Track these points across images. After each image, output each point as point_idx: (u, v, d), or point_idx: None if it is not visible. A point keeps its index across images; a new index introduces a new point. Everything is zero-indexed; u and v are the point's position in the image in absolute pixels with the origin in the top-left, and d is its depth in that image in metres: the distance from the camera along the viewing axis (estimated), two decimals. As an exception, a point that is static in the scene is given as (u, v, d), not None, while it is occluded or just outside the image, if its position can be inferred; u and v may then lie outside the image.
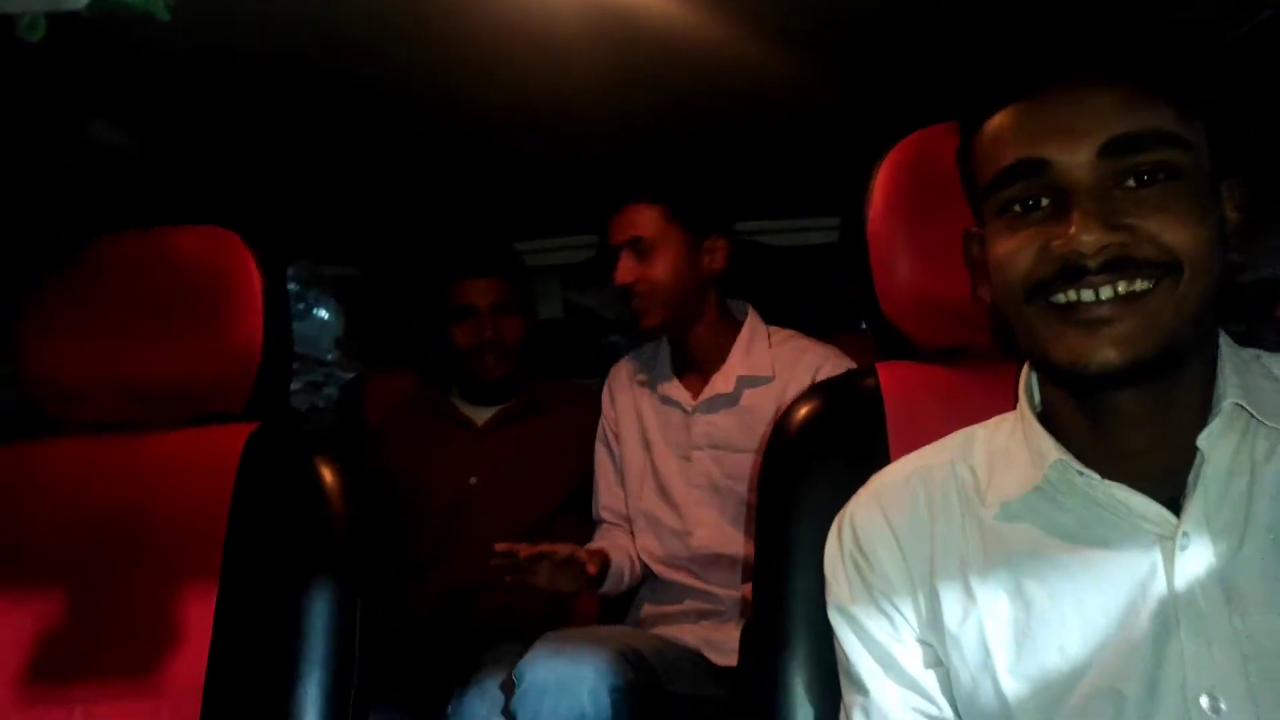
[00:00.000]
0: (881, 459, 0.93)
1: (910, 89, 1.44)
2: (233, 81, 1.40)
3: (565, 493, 1.86)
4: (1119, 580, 0.71)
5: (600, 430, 1.84)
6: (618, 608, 1.80)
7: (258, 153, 1.72)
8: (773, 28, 1.33)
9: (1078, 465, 0.73)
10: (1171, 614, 0.69)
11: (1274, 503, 0.69)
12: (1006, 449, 0.80)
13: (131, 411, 1.13)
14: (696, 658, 1.59)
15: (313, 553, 1.04)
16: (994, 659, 0.75)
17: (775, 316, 1.79)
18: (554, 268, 2.55)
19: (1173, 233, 0.67)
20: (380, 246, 2.45)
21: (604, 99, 1.61)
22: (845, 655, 0.83)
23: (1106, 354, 0.68)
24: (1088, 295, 0.68)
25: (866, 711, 0.80)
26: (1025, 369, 0.82)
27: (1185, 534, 0.69)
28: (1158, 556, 0.71)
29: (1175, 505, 0.71)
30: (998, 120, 0.74)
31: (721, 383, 1.67)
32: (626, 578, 1.68)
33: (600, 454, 1.84)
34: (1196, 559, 0.69)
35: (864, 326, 1.68)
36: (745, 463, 1.62)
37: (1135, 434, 0.73)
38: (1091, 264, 0.67)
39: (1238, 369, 0.73)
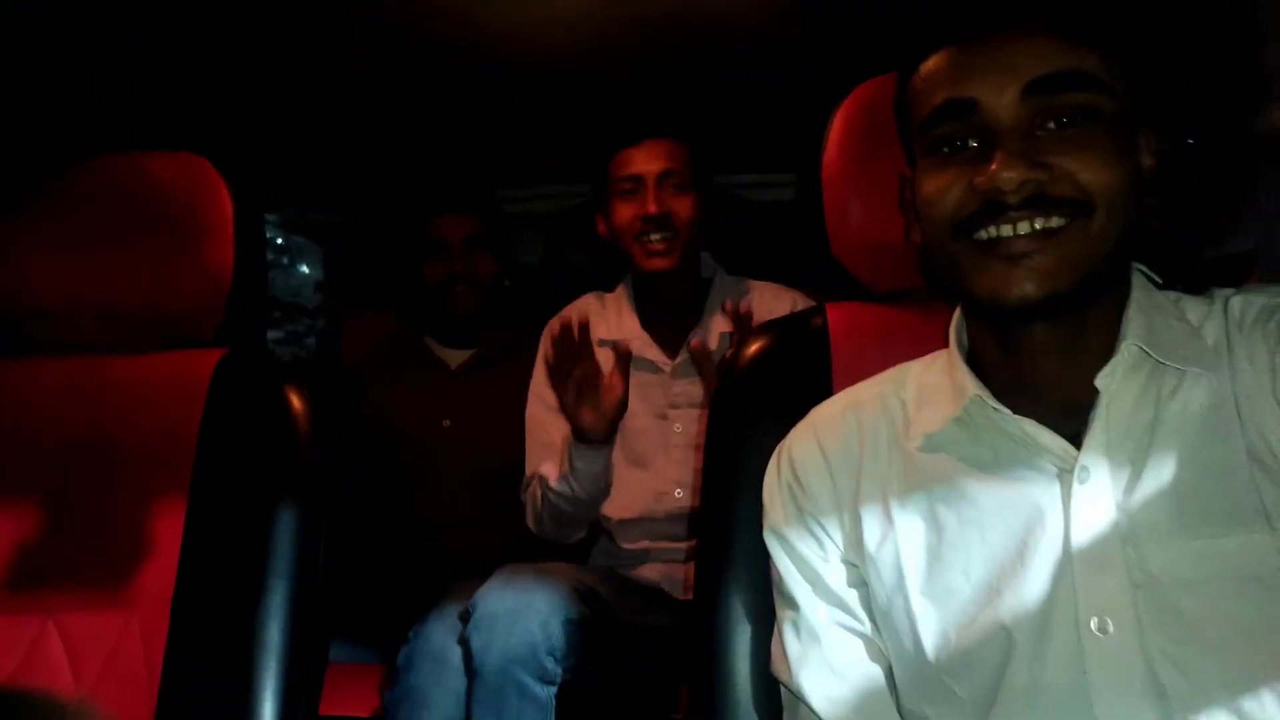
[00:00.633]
0: (826, 395, 0.96)
1: (869, 37, 1.46)
2: (219, 19, 1.41)
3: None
4: (1020, 510, 0.76)
5: (539, 386, 1.73)
6: (579, 553, 1.80)
7: (241, 88, 1.73)
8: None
9: (992, 401, 0.77)
10: (1066, 543, 0.73)
11: (1174, 438, 0.73)
12: (935, 384, 0.84)
13: (103, 334, 1.16)
14: (655, 592, 1.64)
15: (280, 472, 1.07)
16: (906, 580, 0.79)
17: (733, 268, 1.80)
18: (534, 216, 2.57)
19: (1089, 172, 0.70)
20: (363, 190, 2.47)
21: (590, 40, 1.64)
22: (779, 574, 0.88)
23: (1025, 287, 0.71)
24: (1007, 230, 0.71)
25: (796, 625, 0.85)
26: (957, 310, 0.85)
27: (1084, 468, 0.73)
28: (1058, 489, 0.75)
29: (1080, 441, 0.74)
30: (931, 64, 0.77)
31: (702, 339, 1.60)
32: (603, 483, 1.59)
33: (538, 411, 1.72)
34: (1094, 491, 0.73)
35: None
36: None
37: (1046, 368, 0.77)
38: (1012, 200, 0.70)
39: (1147, 310, 0.76)
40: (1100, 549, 0.72)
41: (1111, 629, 0.70)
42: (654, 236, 1.65)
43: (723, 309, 1.68)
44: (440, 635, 1.46)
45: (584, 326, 1.48)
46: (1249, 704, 0.66)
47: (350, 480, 1.68)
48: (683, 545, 1.66)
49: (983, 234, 0.73)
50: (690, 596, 1.44)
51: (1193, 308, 0.78)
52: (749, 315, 1.53)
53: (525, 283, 2.50)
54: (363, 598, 1.74)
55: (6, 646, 1.05)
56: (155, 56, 1.56)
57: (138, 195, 1.15)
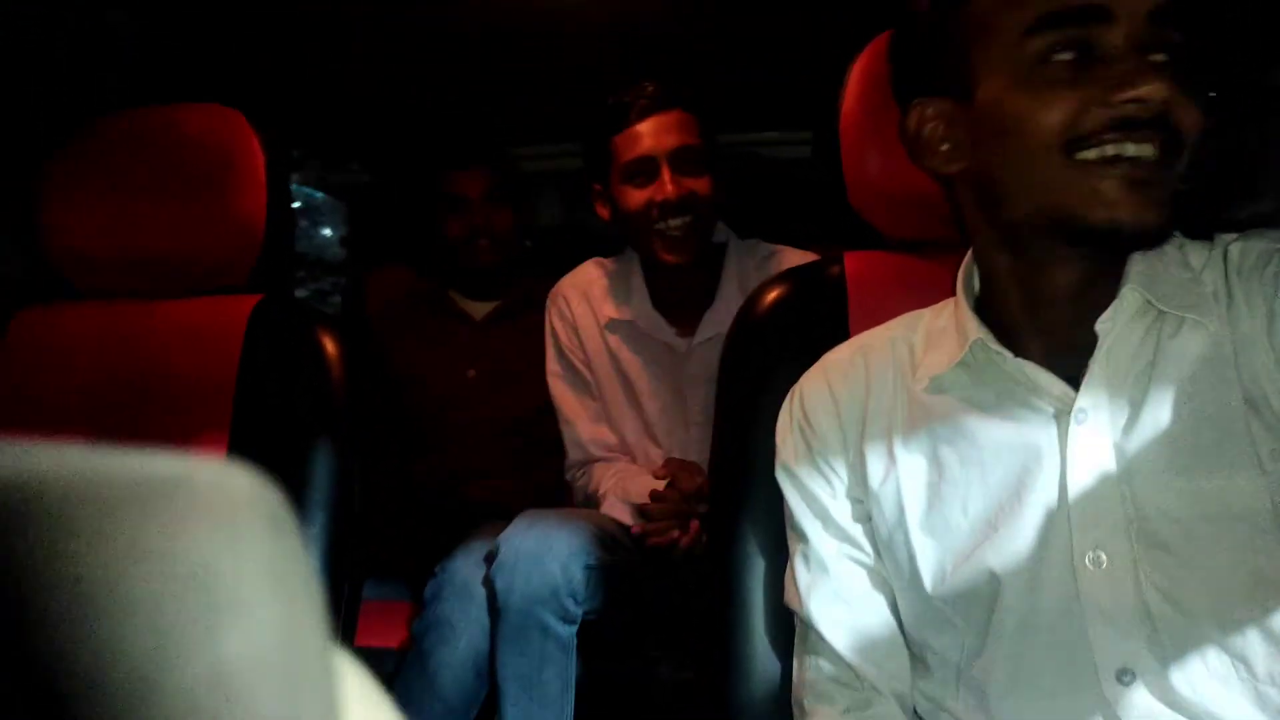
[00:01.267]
0: (842, 341, 0.99)
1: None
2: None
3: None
4: (1019, 449, 0.78)
5: (555, 365, 1.72)
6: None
7: (262, 50, 1.75)
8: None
9: (995, 345, 0.78)
10: (1063, 482, 0.75)
11: (1171, 381, 0.74)
12: (943, 329, 0.86)
13: (143, 281, 1.20)
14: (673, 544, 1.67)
15: (315, 411, 1.12)
16: (907, 515, 0.82)
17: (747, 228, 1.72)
18: (555, 174, 2.58)
19: (1192, 116, 0.69)
20: (383, 148, 2.49)
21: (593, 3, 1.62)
22: (790, 510, 0.92)
23: (1148, 215, 0.69)
24: (1130, 149, 0.69)
25: (806, 557, 0.89)
26: (968, 257, 0.87)
27: (1082, 409, 0.75)
28: (1055, 429, 0.77)
29: (1078, 383, 0.76)
30: None
31: (719, 319, 1.55)
32: None
33: (562, 390, 1.70)
34: (1091, 432, 0.75)
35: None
36: None
37: (1059, 311, 0.78)
38: (1145, 115, 0.68)
39: (1149, 256, 0.76)
40: (1097, 487, 0.74)
41: (1106, 563, 0.73)
42: (673, 222, 1.51)
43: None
44: (466, 569, 1.51)
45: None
46: (1234, 636, 0.70)
47: (379, 425, 1.73)
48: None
49: (1107, 150, 0.69)
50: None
51: (1195, 252, 0.79)
52: None
53: (546, 243, 2.53)
54: (391, 541, 1.80)
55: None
56: (183, 13, 1.59)
57: (173, 146, 1.19)
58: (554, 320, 1.71)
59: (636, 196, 1.53)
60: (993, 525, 0.78)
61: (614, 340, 1.65)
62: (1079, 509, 0.74)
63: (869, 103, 1.05)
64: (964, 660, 0.80)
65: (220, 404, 1.13)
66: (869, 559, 0.87)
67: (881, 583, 0.87)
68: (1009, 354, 0.78)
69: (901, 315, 0.93)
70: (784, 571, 0.94)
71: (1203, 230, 0.83)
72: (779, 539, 0.98)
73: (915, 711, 0.86)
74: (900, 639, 0.86)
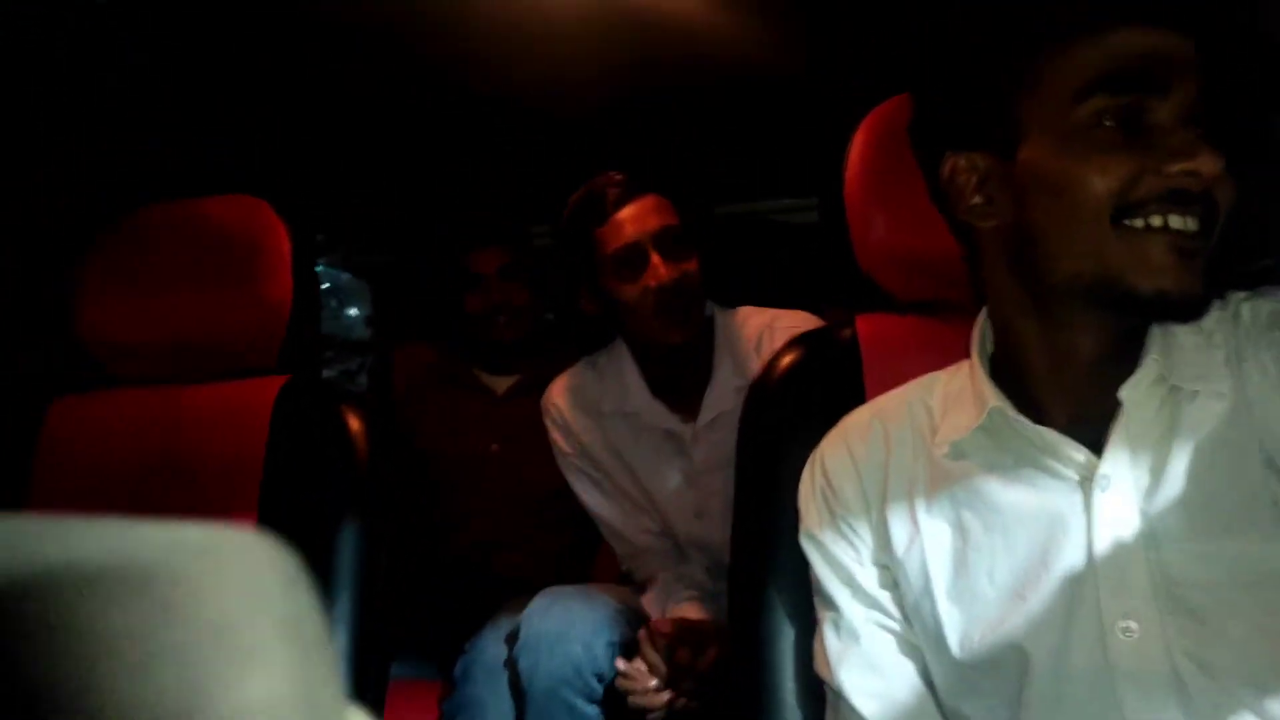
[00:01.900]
0: (859, 404, 0.99)
1: (885, 60, 1.50)
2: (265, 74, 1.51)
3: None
4: (1043, 517, 0.77)
5: (569, 474, 1.68)
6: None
7: (294, 135, 1.83)
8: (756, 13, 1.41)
9: (1012, 412, 0.78)
10: (1089, 550, 0.74)
11: (1191, 445, 0.73)
12: (960, 392, 0.86)
13: (175, 367, 1.24)
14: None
15: (342, 490, 1.13)
16: (933, 583, 0.81)
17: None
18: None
19: (1230, 191, 0.70)
20: (405, 230, 2.56)
21: (617, 84, 1.68)
22: (816, 578, 0.91)
23: (1193, 285, 0.70)
24: (1176, 222, 0.69)
25: (836, 625, 0.88)
26: (981, 318, 0.87)
27: (1105, 476, 0.74)
28: (1079, 496, 0.76)
29: (1099, 449, 0.75)
30: (1086, 42, 0.71)
31: (719, 400, 1.53)
32: None
33: (585, 488, 1.66)
34: (1116, 499, 0.74)
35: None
36: None
37: (1081, 377, 0.77)
38: (1195, 188, 0.68)
39: (1166, 327, 0.76)
40: (1123, 554, 0.73)
41: (1137, 631, 0.72)
42: (673, 306, 1.47)
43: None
44: (495, 648, 1.50)
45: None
46: (1267, 700, 0.68)
47: (406, 502, 1.74)
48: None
49: (1154, 220, 0.69)
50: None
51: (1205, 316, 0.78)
52: None
53: (566, 315, 2.56)
54: (418, 618, 1.79)
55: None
56: (209, 108, 1.66)
57: (202, 237, 1.24)
58: (550, 431, 1.68)
59: (630, 288, 1.49)
60: (1020, 595, 0.77)
61: (615, 435, 1.61)
62: (1107, 577, 0.74)
63: (873, 168, 1.07)
64: None
65: (248, 485, 1.15)
66: (898, 625, 0.86)
67: (912, 649, 0.86)
68: (1028, 421, 0.78)
69: (917, 379, 0.93)
70: (812, 640, 0.93)
71: (1218, 285, 0.83)
72: (806, 607, 0.96)
73: None
74: (933, 708, 0.84)
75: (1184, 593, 0.71)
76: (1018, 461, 0.80)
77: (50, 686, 0.17)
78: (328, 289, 3.14)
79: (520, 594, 1.66)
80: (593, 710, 1.41)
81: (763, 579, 1.03)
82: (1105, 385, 0.75)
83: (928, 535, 0.83)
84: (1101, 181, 0.70)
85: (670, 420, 1.58)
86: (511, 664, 1.44)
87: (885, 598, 0.87)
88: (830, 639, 0.88)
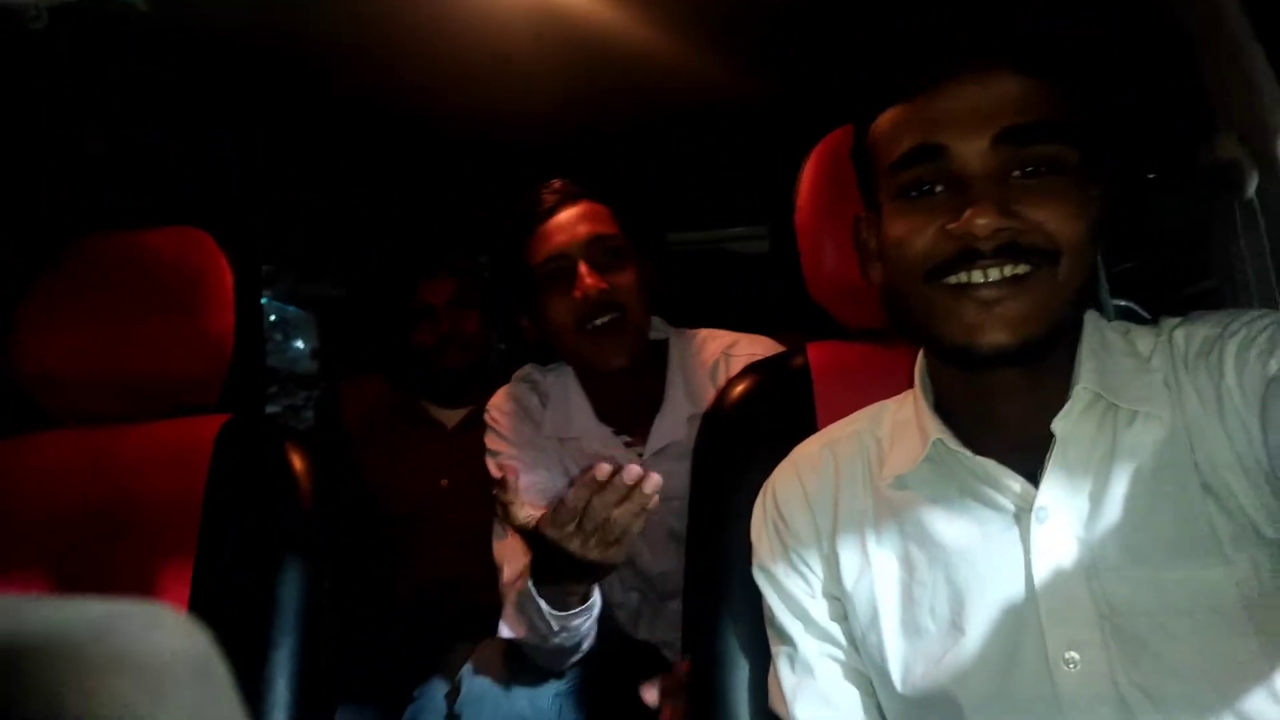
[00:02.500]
0: (811, 431, 0.99)
1: (835, 87, 1.53)
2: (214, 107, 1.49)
3: (534, 492, 1.92)
4: (982, 549, 0.78)
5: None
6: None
7: (237, 166, 1.80)
8: (715, 40, 1.42)
9: (954, 444, 0.79)
10: (1029, 581, 0.75)
11: (1129, 472, 0.75)
12: (906, 422, 0.87)
13: (114, 405, 1.19)
14: (649, 648, 1.54)
15: (284, 531, 1.10)
16: (881, 616, 0.81)
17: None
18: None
19: (1057, 223, 0.72)
20: (352, 261, 2.53)
21: (570, 117, 1.68)
22: (770, 610, 0.90)
23: (998, 334, 0.73)
24: (978, 276, 0.72)
25: (790, 659, 0.88)
26: (922, 351, 0.88)
27: (1043, 507, 0.75)
28: (1017, 529, 0.77)
29: (1038, 479, 0.76)
30: (896, 110, 0.78)
31: (669, 428, 1.43)
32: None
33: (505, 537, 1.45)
34: (1053, 530, 0.75)
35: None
36: None
37: (1007, 410, 0.78)
38: (985, 247, 0.72)
39: (1098, 352, 0.78)
40: (1064, 585, 0.74)
41: (1081, 662, 0.72)
42: (599, 321, 1.35)
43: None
44: (443, 695, 1.45)
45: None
46: None
47: (351, 540, 1.69)
48: (676, 608, 1.45)
49: (953, 279, 0.74)
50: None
51: (1142, 338, 0.81)
52: None
53: (517, 344, 2.54)
54: (366, 660, 1.74)
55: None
56: (153, 138, 1.63)
57: (141, 270, 1.20)
58: (492, 436, 1.53)
59: (557, 303, 1.36)
60: (960, 628, 0.77)
61: (556, 458, 1.47)
62: (1049, 608, 0.74)
63: (822, 198, 1.08)
64: None
65: (187, 528, 1.11)
66: (851, 658, 0.86)
67: (864, 681, 0.85)
68: (969, 452, 0.78)
69: (866, 407, 0.94)
70: (766, 673, 0.92)
71: (1157, 307, 0.85)
72: (760, 638, 0.96)
73: None
74: None
75: (1126, 621, 0.72)
76: (962, 493, 0.80)
77: None
78: (274, 322, 3.08)
79: (472, 636, 1.62)
80: None
81: (716, 610, 1.02)
82: (1036, 415, 0.77)
83: (877, 568, 0.83)
84: (911, 247, 0.75)
85: (615, 446, 1.46)
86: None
87: (837, 630, 0.86)
88: (785, 673, 0.88)
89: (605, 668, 1.45)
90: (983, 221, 0.71)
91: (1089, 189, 0.75)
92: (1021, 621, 0.75)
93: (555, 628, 1.21)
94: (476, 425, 1.95)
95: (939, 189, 0.75)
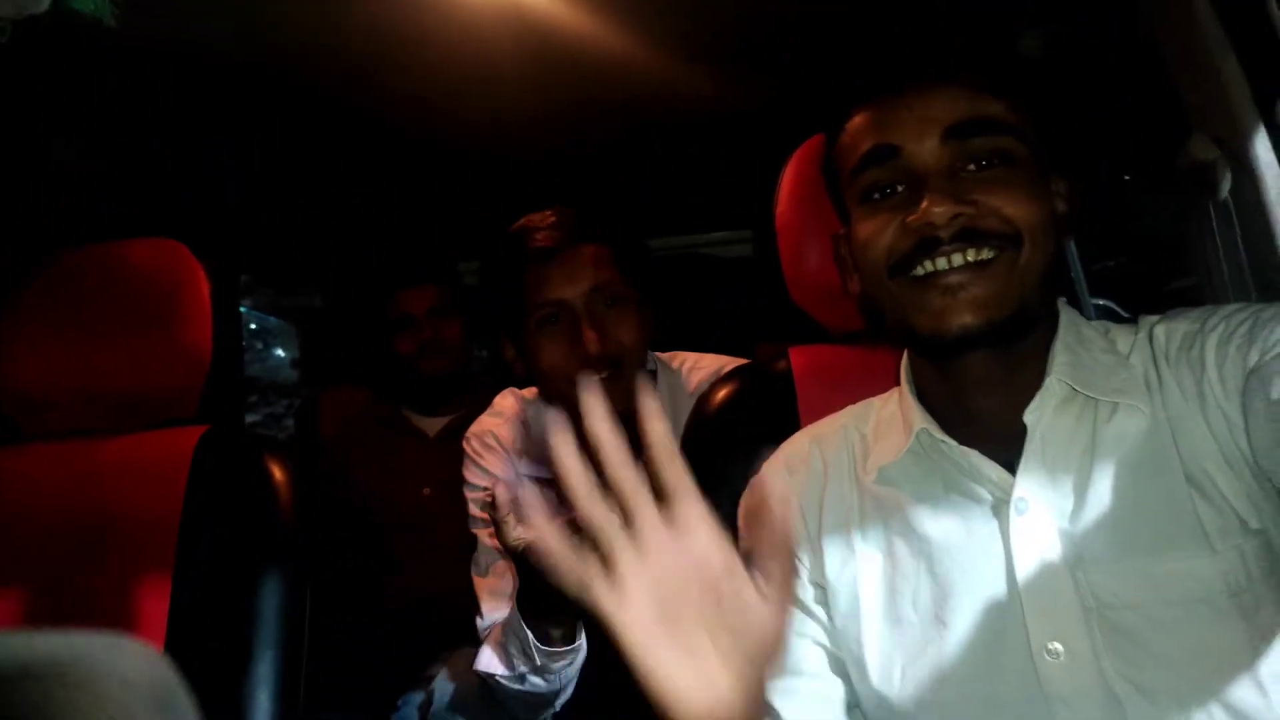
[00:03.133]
0: (794, 433, 1.00)
1: (813, 95, 1.54)
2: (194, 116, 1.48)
3: (517, 499, 1.91)
4: (964, 542, 0.78)
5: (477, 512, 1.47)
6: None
7: (217, 181, 1.78)
8: (696, 52, 1.42)
9: (939, 434, 0.80)
10: (1010, 574, 0.75)
11: (1112, 465, 0.75)
12: (891, 417, 0.88)
13: (91, 418, 1.18)
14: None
15: (263, 541, 1.08)
16: (862, 609, 0.82)
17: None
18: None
19: (1013, 207, 0.75)
20: (333, 272, 2.51)
21: (553, 128, 1.68)
22: None
23: (964, 317, 0.75)
24: (942, 263, 0.75)
25: None
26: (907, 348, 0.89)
27: (1022, 499, 0.76)
28: (997, 521, 0.77)
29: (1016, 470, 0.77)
30: (855, 120, 0.83)
31: None
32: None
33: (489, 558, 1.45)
34: (1033, 522, 0.75)
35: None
36: None
37: (983, 401, 0.80)
38: (944, 235, 0.75)
39: (1073, 346, 0.79)
40: (1046, 578, 0.74)
41: (1066, 653, 0.72)
42: (605, 377, 1.25)
43: None
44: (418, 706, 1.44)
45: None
46: (1199, 715, 0.69)
47: (332, 550, 1.68)
48: None
49: (919, 270, 0.76)
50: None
51: (1121, 336, 0.82)
52: None
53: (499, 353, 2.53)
54: (348, 667, 1.73)
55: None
56: (128, 149, 1.61)
57: (120, 282, 1.19)
58: (469, 468, 1.48)
59: (551, 350, 1.28)
60: (943, 621, 0.77)
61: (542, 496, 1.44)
62: (1032, 601, 0.74)
63: (803, 203, 1.09)
64: None
65: (165, 540, 1.09)
66: (828, 642, 0.86)
67: (841, 668, 0.85)
68: (953, 441, 0.79)
69: (853, 405, 0.94)
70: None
71: (1136, 305, 0.86)
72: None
73: None
74: (843, 708, 0.83)
75: (1115, 614, 0.72)
76: (945, 487, 0.81)
77: None
78: (253, 331, 3.06)
79: (455, 645, 1.62)
80: None
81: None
82: (1011, 407, 0.78)
83: (861, 560, 0.83)
84: (874, 247, 0.79)
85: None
86: None
87: (819, 613, 0.86)
88: None
89: (584, 673, 1.40)
90: (939, 210, 0.75)
91: (1047, 182, 0.79)
92: (1004, 614, 0.75)
93: (538, 662, 1.17)
94: (458, 433, 1.94)
95: (900, 188, 0.79)
